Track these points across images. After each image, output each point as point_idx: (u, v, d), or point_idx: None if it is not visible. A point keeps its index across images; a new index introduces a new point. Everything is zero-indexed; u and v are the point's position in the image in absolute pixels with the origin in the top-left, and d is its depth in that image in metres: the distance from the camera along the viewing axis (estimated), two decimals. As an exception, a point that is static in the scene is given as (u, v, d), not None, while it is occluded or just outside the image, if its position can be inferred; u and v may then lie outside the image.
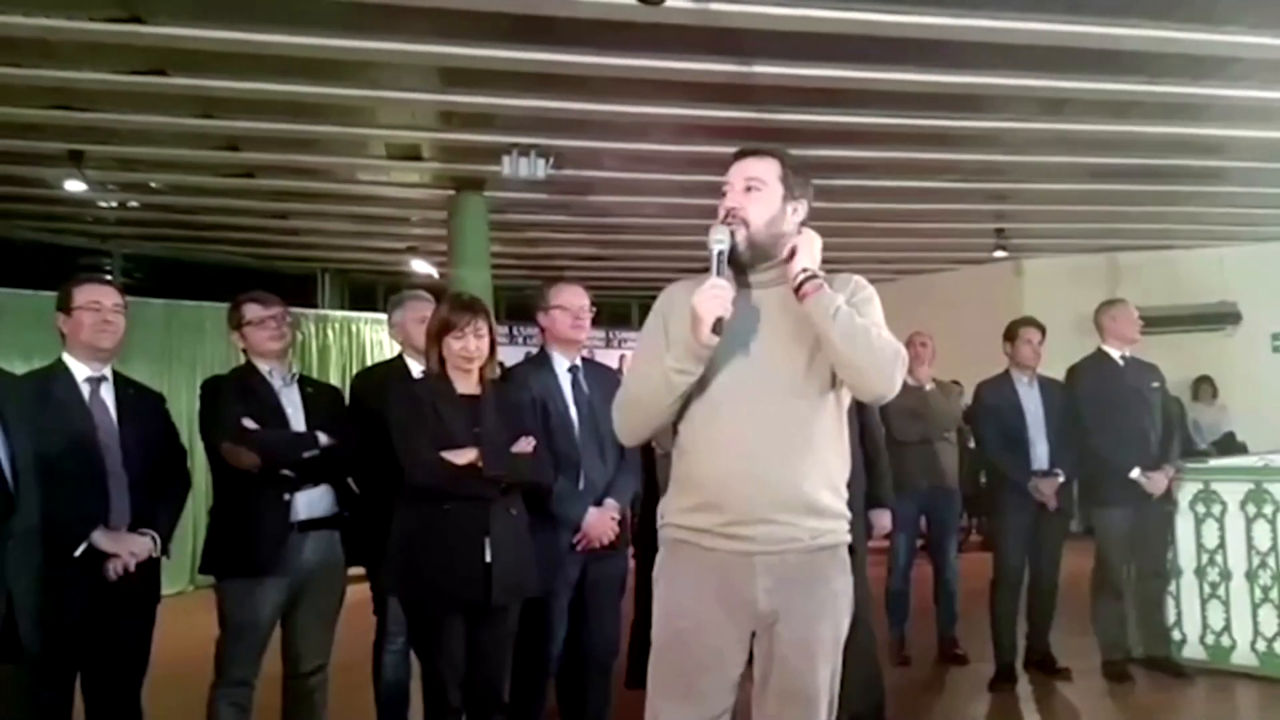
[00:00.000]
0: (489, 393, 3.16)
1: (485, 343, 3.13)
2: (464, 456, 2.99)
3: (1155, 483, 4.59)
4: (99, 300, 3.03)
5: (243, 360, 3.37)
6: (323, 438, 3.19)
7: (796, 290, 2.04)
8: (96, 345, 3.03)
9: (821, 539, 2.09)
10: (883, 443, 4.20)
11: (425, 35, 4.71)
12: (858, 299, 2.09)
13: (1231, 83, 5.45)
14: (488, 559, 3.00)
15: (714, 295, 1.96)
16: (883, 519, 4.05)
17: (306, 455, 3.17)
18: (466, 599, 3.02)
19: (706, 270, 2.05)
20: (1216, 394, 9.65)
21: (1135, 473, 4.56)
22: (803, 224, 2.16)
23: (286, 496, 3.15)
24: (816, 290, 2.01)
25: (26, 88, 5.24)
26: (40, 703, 2.84)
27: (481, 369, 3.16)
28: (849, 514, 2.20)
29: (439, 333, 3.13)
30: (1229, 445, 8.97)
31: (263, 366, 3.30)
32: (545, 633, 3.42)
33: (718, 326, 1.96)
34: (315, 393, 3.40)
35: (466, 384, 3.13)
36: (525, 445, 3.09)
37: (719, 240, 2.06)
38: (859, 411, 3.83)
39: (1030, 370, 4.82)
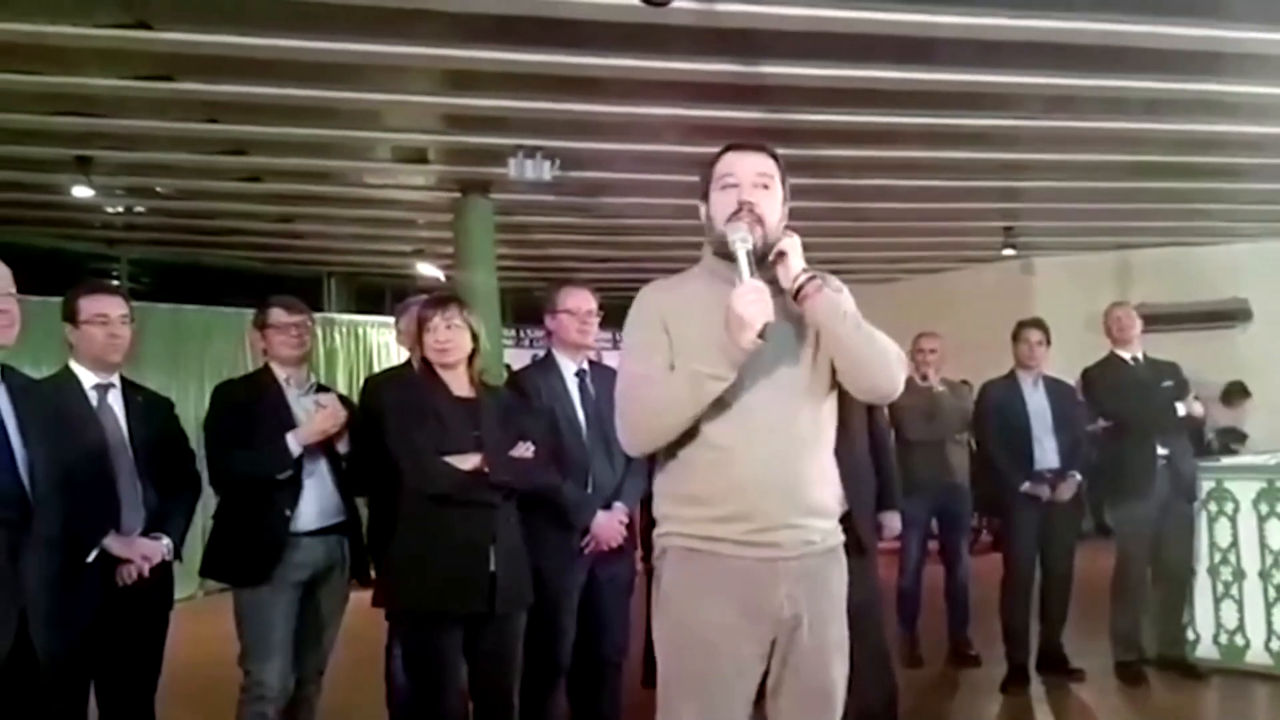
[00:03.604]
0: (485, 395, 3.11)
1: (460, 334, 3.04)
2: (469, 462, 2.93)
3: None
4: (106, 313, 3.02)
5: (259, 363, 3.38)
6: (294, 447, 3.13)
7: (796, 293, 1.99)
8: (107, 360, 3.03)
9: (829, 540, 2.10)
10: (891, 444, 4.17)
11: (431, 38, 4.70)
12: (843, 299, 2.06)
13: (1244, 79, 5.40)
14: (493, 568, 2.95)
15: (758, 299, 1.88)
16: (892, 521, 4.01)
17: (281, 477, 3.13)
18: (471, 610, 2.96)
19: (678, 270, 2.05)
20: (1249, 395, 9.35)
21: (1161, 450, 4.57)
22: (787, 226, 2.11)
23: (288, 513, 3.14)
24: (818, 291, 1.98)
25: (33, 94, 5.24)
26: (55, 711, 2.83)
27: (470, 370, 3.08)
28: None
29: (419, 332, 3.11)
30: (1229, 436, 8.86)
31: (280, 373, 3.31)
32: (556, 634, 3.41)
33: (764, 331, 1.89)
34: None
35: (460, 386, 3.08)
36: (524, 450, 3.04)
37: (743, 238, 1.96)
38: (868, 413, 3.80)
39: (1034, 370, 4.81)
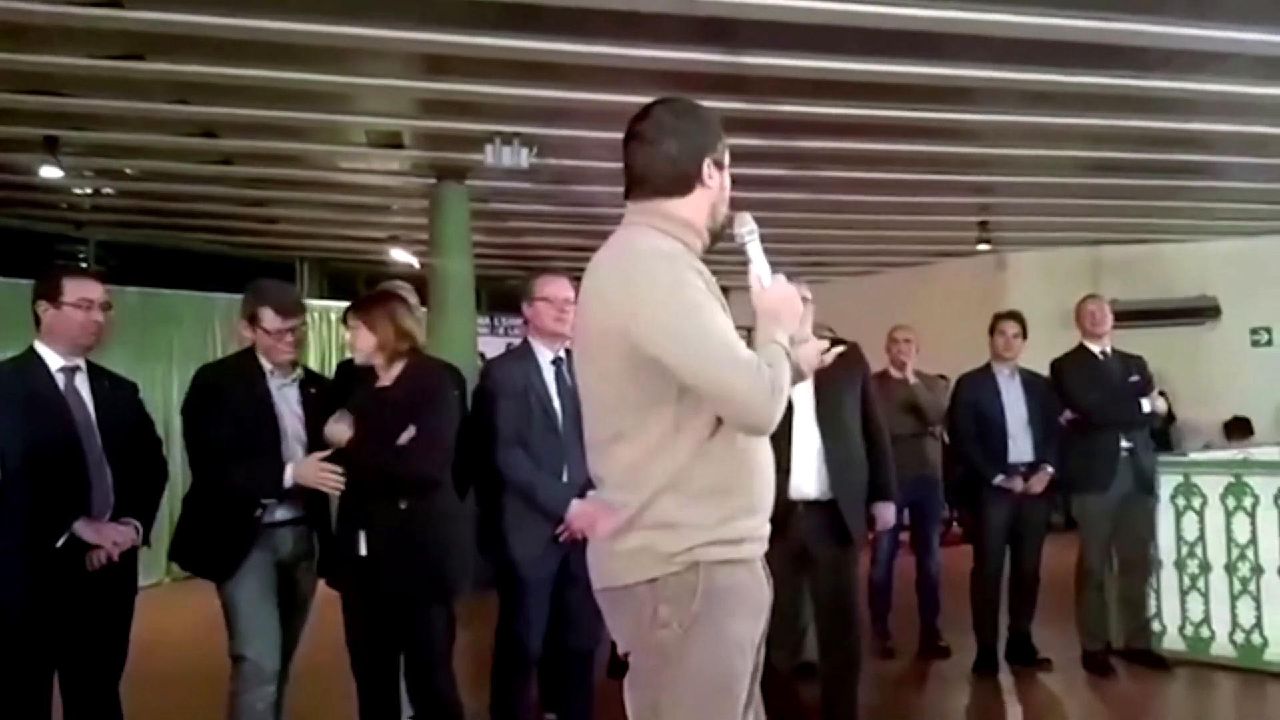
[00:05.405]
0: (398, 386, 3.13)
1: (355, 333, 3.15)
2: (343, 435, 3.07)
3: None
4: (90, 298, 2.98)
5: (243, 344, 3.31)
6: (288, 480, 3.10)
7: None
8: (82, 343, 2.99)
9: None
10: (887, 436, 3.92)
11: (407, 21, 4.65)
12: None
13: (1216, 77, 5.46)
14: (362, 552, 3.03)
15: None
16: (886, 512, 3.86)
17: (266, 502, 3.11)
18: (352, 589, 3.12)
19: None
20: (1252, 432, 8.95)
21: (1125, 443, 4.62)
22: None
23: (258, 512, 3.11)
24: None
25: (1, 72, 5.14)
26: (18, 697, 2.79)
27: (383, 359, 3.12)
28: None
29: None
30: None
31: (265, 363, 3.23)
32: (527, 624, 3.40)
33: None
34: (319, 394, 3.33)
35: (383, 376, 3.15)
36: (405, 437, 3.06)
37: (753, 231, 1.90)
38: (863, 404, 3.75)
39: (1010, 363, 4.83)
